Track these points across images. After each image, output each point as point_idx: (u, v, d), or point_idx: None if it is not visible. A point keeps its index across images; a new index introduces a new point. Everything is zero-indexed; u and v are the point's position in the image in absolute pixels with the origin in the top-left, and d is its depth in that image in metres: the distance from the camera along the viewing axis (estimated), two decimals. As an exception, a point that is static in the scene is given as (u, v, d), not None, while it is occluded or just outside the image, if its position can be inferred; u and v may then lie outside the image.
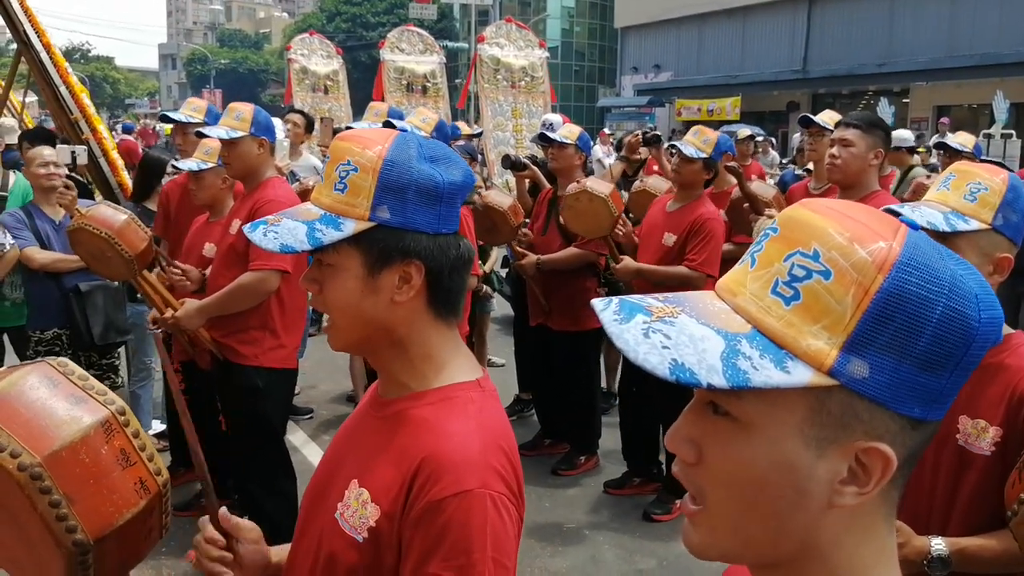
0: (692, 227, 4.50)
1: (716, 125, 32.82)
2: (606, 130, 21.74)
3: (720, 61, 34.55)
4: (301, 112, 7.79)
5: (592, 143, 5.14)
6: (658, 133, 6.44)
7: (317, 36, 15.03)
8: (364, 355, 1.52)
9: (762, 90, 31.10)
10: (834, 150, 3.51)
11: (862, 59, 27.97)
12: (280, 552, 1.51)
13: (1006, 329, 1.92)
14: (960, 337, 0.72)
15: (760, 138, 17.88)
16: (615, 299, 0.76)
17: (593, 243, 4.99)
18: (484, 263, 6.15)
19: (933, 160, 10.48)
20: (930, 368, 0.72)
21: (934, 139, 7.47)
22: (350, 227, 1.32)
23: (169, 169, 5.16)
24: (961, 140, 5.84)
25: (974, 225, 1.81)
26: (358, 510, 1.32)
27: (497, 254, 6.81)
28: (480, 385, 1.40)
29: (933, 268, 0.72)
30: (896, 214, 1.83)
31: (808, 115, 5.17)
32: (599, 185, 4.68)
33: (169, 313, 3.71)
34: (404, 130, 1.45)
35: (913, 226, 0.76)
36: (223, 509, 1.44)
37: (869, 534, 0.79)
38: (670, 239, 4.57)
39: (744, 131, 10.86)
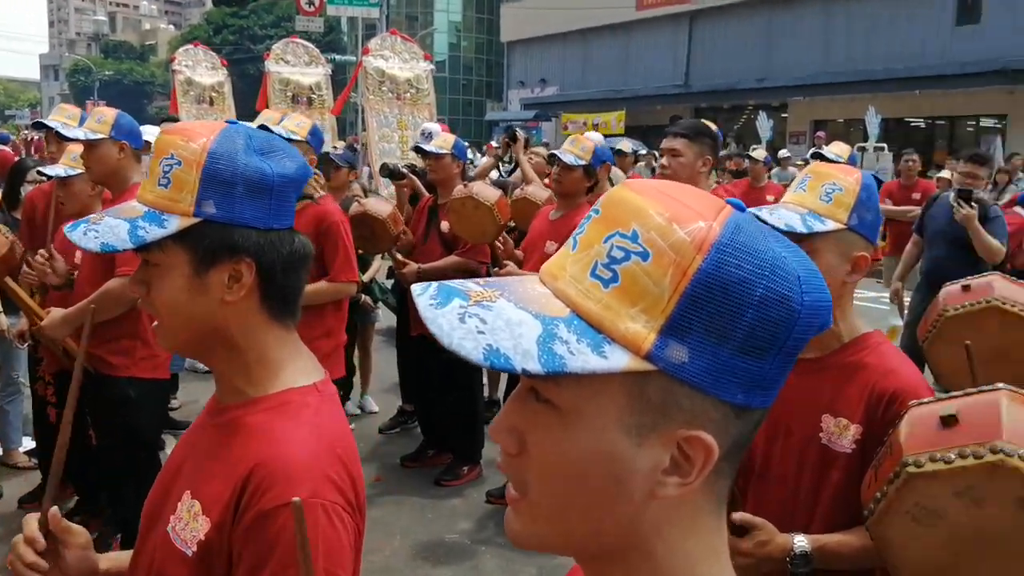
0: None
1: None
2: (493, 143, 21.88)
3: (605, 76, 35.22)
4: (175, 120, 7.50)
5: (467, 151, 5.14)
6: (515, 128, 6.57)
7: (202, 48, 14.86)
8: (197, 357, 1.44)
9: (646, 104, 31.81)
10: (664, 160, 3.50)
11: (742, 74, 28.94)
12: (112, 560, 1.43)
13: (863, 327, 1.93)
14: (782, 320, 0.70)
15: (643, 152, 18.30)
16: (433, 284, 0.72)
17: (473, 250, 4.96)
18: (364, 272, 5.99)
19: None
20: (752, 352, 0.70)
21: (811, 151, 7.79)
22: (174, 224, 1.26)
23: (32, 176, 4.93)
24: (837, 151, 6.06)
25: (831, 225, 1.82)
26: (189, 523, 1.25)
27: (380, 264, 6.69)
28: (318, 389, 1.34)
29: (754, 249, 0.70)
30: (758, 219, 1.84)
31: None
32: (485, 191, 4.68)
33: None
34: (234, 122, 1.35)
35: (738, 206, 0.74)
36: (54, 509, 1.35)
37: (694, 527, 0.76)
38: (551, 247, 4.56)
39: (625, 144, 11.05)
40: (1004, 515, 1.18)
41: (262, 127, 4.18)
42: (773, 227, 1.80)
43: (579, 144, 4.68)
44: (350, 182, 5.95)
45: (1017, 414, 1.23)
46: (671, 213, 0.70)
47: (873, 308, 7.59)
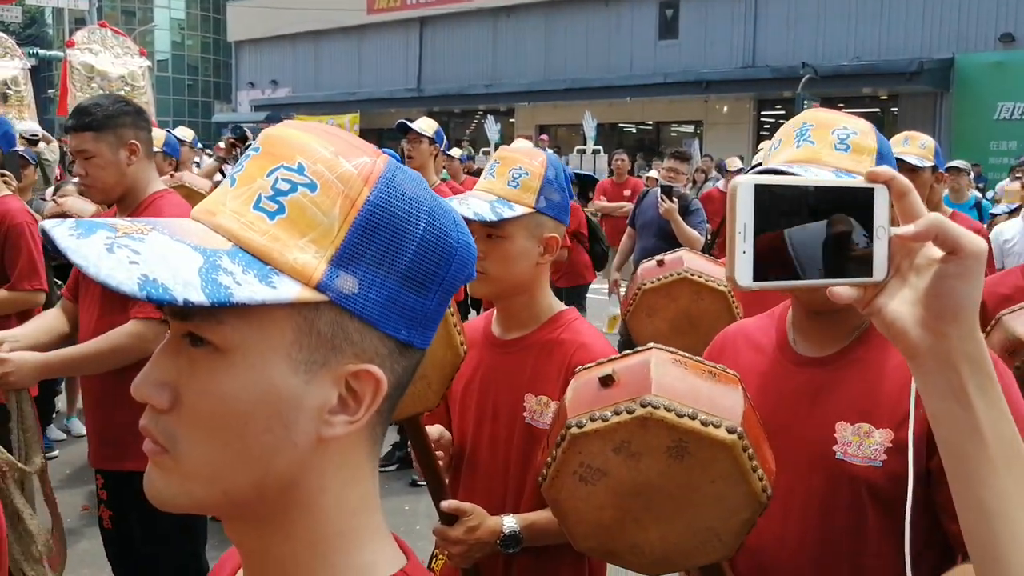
0: None
1: (336, 141, 33.07)
2: (220, 144, 21.06)
3: (338, 78, 34.84)
4: None
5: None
6: (244, 128, 6.46)
7: None
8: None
9: (380, 107, 31.82)
10: (78, 168, 2.89)
11: (472, 80, 29.75)
12: None
13: (559, 306, 2.00)
14: (442, 255, 0.73)
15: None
16: (71, 219, 0.65)
17: None
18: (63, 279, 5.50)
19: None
20: (415, 286, 0.71)
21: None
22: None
23: None
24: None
25: (519, 211, 1.86)
26: None
27: None
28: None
29: (416, 188, 0.72)
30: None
31: (405, 122, 5.28)
32: (197, 181, 4.76)
33: None
34: None
35: (393, 156, 0.78)
36: None
37: (356, 475, 0.74)
38: None
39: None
40: (658, 464, 1.25)
41: None
42: (464, 217, 1.82)
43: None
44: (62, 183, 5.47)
45: (664, 369, 1.31)
46: (336, 148, 0.71)
47: (592, 299, 8.02)
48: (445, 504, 1.81)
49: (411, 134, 5.22)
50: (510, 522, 1.82)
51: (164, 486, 0.71)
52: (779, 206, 0.77)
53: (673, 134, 28.29)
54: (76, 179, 5.56)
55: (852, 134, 1.43)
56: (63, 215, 4.40)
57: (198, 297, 0.61)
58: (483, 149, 21.58)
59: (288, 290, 0.66)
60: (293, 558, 0.73)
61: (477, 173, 12.09)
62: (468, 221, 1.84)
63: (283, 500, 0.71)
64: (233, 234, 0.68)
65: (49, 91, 25.92)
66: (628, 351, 1.43)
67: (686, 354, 1.37)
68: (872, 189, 0.80)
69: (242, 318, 0.66)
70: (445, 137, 5.93)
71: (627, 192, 9.97)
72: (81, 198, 4.78)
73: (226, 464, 0.69)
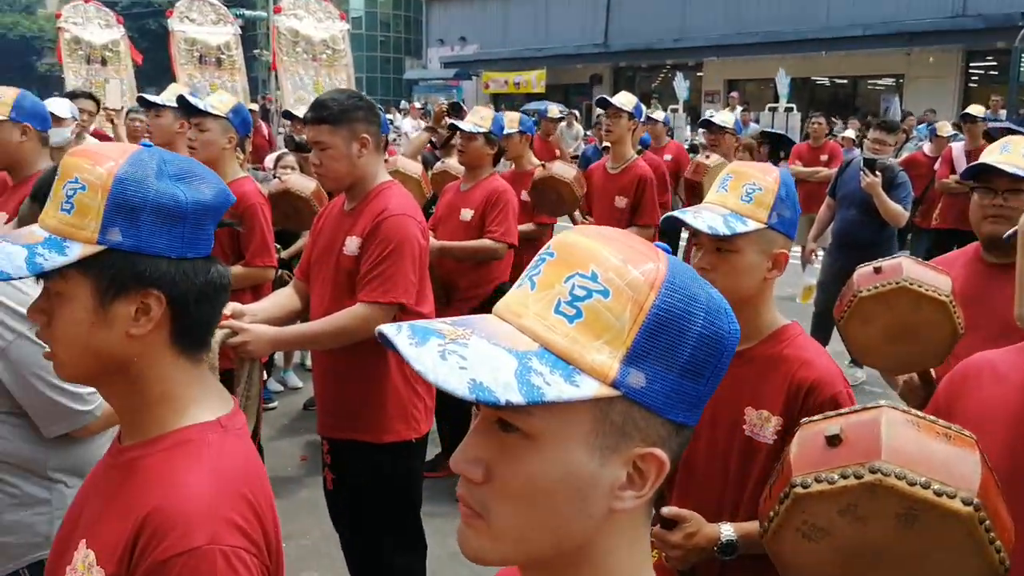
0: (488, 200, 4.59)
1: (523, 98, 33.01)
2: (416, 103, 21.61)
3: (525, 34, 34.95)
4: (90, 95, 7.14)
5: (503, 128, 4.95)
6: (457, 102, 6.51)
7: (93, 3, 13.94)
8: (96, 388, 1.36)
9: (566, 63, 31.78)
10: (313, 158, 3.04)
11: (659, 34, 29.08)
12: None
13: (782, 320, 2.00)
14: (716, 345, 0.82)
15: (564, 112, 18.27)
16: (405, 324, 0.78)
17: (506, 233, 4.62)
18: (286, 248, 5.86)
19: (700, 139, 11.09)
20: (694, 375, 0.81)
21: (700, 120, 8.00)
22: (76, 251, 1.19)
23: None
24: (722, 118, 6.18)
25: (752, 226, 1.88)
26: (84, 575, 1.18)
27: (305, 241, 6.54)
28: (222, 424, 1.27)
29: (693, 288, 0.81)
30: (679, 221, 1.87)
31: (605, 97, 5.27)
32: (564, 170, 5.12)
33: None
34: (148, 145, 1.29)
35: (666, 249, 0.85)
36: None
37: (636, 536, 0.86)
38: (467, 214, 4.64)
39: (554, 110, 11.11)
40: (886, 530, 1.24)
41: (180, 99, 4.01)
42: (696, 229, 1.86)
43: (478, 114, 4.83)
44: (283, 154, 5.83)
45: (895, 430, 1.28)
46: (624, 255, 0.80)
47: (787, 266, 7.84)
48: (666, 510, 1.88)
49: (611, 109, 5.22)
50: (727, 530, 1.86)
51: (477, 545, 0.82)
52: None
53: (870, 87, 26.70)
54: (286, 151, 5.94)
55: None
56: (286, 192, 4.71)
57: (516, 398, 0.71)
58: (671, 106, 21.14)
59: (588, 388, 0.76)
60: None
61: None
62: (698, 233, 1.88)
63: (576, 558, 0.83)
64: (538, 336, 0.78)
65: (254, 51, 27.42)
66: (858, 407, 1.41)
67: (919, 413, 1.35)
68: None
69: (548, 410, 0.76)
70: (643, 108, 5.90)
71: (823, 157, 9.57)
72: (302, 175, 5.09)
73: (531, 531, 0.80)
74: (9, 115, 3.42)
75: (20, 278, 1.16)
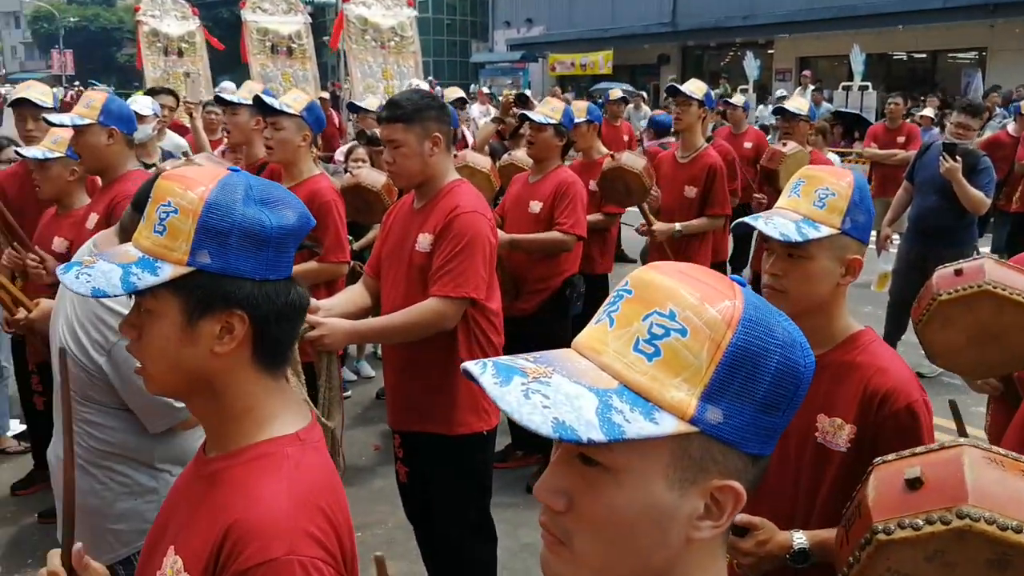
0: (556, 192, 4.57)
1: (590, 79, 32.70)
2: (484, 88, 21.57)
3: (591, 15, 34.57)
4: (171, 92, 7.34)
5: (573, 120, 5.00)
6: (524, 92, 6.47)
7: (170, -6, 14.27)
8: (183, 401, 1.43)
9: (633, 43, 31.40)
10: (387, 156, 3.08)
11: (728, 11, 28.51)
12: None
13: (855, 326, 1.97)
14: (793, 380, 0.84)
15: (632, 93, 18.09)
16: (489, 362, 0.81)
17: (576, 225, 4.62)
18: (358, 240, 5.95)
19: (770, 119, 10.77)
20: (770, 410, 0.83)
21: (772, 108, 7.74)
22: (167, 272, 1.26)
23: (4, 157, 4.81)
24: (797, 104, 6.05)
25: (825, 232, 1.85)
26: None
27: (376, 233, 6.63)
28: (300, 438, 1.33)
29: (769, 323, 0.83)
30: (750, 227, 1.86)
31: (675, 85, 5.21)
32: (633, 161, 5.04)
33: (22, 314, 3.40)
34: (236, 170, 1.34)
35: (741, 283, 0.87)
36: (79, 546, 1.36)
37: (713, 561, 0.89)
38: (536, 206, 4.64)
39: (615, 92, 10.99)
40: (975, 574, 1.21)
41: (256, 100, 4.11)
42: (768, 236, 1.84)
43: (549, 105, 4.80)
44: (353, 146, 5.90)
45: (980, 472, 1.25)
46: (701, 293, 0.82)
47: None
48: (738, 517, 1.88)
49: (680, 97, 5.17)
50: (800, 538, 1.84)
51: (560, 572, 0.86)
52: None
53: (951, 62, 25.78)
54: (356, 143, 6.01)
55: None
56: (357, 185, 4.78)
57: (598, 436, 0.74)
58: (740, 86, 20.76)
59: (667, 425, 0.78)
60: None
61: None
62: (769, 239, 1.87)
63: None
64: (618, 373, 0.81)
65: (323, 38, 27.80)
66: (935, 446, 1.38)
67: (1000, 450, 1.31)
68: None
69: (628, 446, 0.78)
70: (713, 96, 5.81)
71: (900, 139, 9.30)
72: (374, 169, 5.15)
73: (612, 559, 0.84)
74: (98, 119, 3.52)
75: (115, 296, 1.24)
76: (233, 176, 1.31)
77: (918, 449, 1.41)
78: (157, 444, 2.35)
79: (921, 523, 1.23)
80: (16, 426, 5.33)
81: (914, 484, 1.28)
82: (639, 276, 0.86)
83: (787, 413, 0.85)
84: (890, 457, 1.42)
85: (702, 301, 0.82)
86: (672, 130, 7.27)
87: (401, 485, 3.39)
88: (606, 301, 0.89)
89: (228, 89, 5.76)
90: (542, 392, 0.77)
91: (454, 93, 8.18)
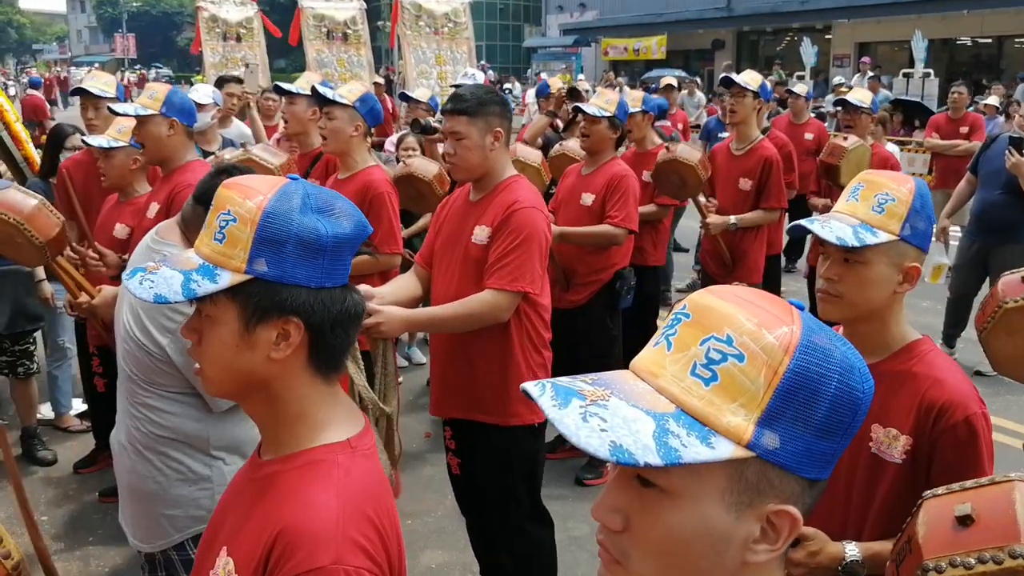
0: (609, 186, 4.57)
1: (643, 65, 32.40)
2: (543, 74, 21.48)
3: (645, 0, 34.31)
4: (238, 80, 7.43)
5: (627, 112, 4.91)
6: (574, 85, 6.41)
7: (229, -18, 14.46)
8: (239, 404, 1.46)
9: (687, 28, 31.00)
10: (448, 148, 3.09)
11: (785, -4, 28.06)
12: None
13: (912, 335, 1.93)
14: (851, 406, 0.84)
15: (686, 79, 17.85)
16: (548, 383, 0.82)
17: (627, 220, 4.60)
18: (408, 227, 5.97)
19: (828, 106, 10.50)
20: (827, 436, 0.83)
21: (834, 100, 7.47)
22: (226, 279, 1.28)
23: (70, 144, 4.92)
24: (860, 96, 5.93)
25: (883, 237, 1.81)
26: None
27: (426, 221, 6.65)
28: (351, 445, 1.35)
29: (827, 349, 0.83)
30: (806, 230, 1.83)
31: (729, 76, 5.14)
32: (688, 153, 4.98)
33: (84, 298, 3.50)
34: (295, 178, 1.36)
35: (799, 307, 0.87)
36: None
37: None
38: (588, 199, 4.64)
39: (668, 79, 10.86)
40: None
41: (313, 91, 4.14)
42: (824, 240, 1.81)
43: (603, 97, 4.76)
44: (404, 135, 5.93)
45: None
46: (759, 319, 0.83)
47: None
48: None
49: (735, 88, 5.09)
50: (852, 550, 1.81)
51: None
52: None
53: (1017, 47, 25.03)
54: (407, 132, 6.02)
55: None
56: (409, 175, 4.80)
57: (655, 460, 0.75)
58: (797, 73, 20.39)
59: (724, 450, 0.79)
60: None
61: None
62: (826, 243, 1.83)
63: None
64: (675, 397, 0.82)
65: (377, 23, 27.89)
66: (985, 481, 1.36)
67: None
68: None
69: (685, 469, 0.79)
70: (769, 87, 5.71)
71: (964, 129, 9.08)
72: (426, 158, 5.17)
73: None
74: (160, 110, 3.60)
75: (176, 302, 1.27)
76: (291, 184, 1.33)
77: (968, 483, 1.39)
78: (212, 431, 2.41)
79: (973, 562, 1.23)
80: (79, 405, 5.47)
81: (965, 521, 1.28)
82: (697, 300, 0.87)
83: (845, 438, 0.85)
84: (940, 491, 1.41)
85: (759, 327, 0.82)
86: (727, 122, 7.15)
87: (453, 477, 3.42)
88: (664, 323, 0.89)
89: (204, 92, 5.86)
90: (600, 415, 0.78)
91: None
